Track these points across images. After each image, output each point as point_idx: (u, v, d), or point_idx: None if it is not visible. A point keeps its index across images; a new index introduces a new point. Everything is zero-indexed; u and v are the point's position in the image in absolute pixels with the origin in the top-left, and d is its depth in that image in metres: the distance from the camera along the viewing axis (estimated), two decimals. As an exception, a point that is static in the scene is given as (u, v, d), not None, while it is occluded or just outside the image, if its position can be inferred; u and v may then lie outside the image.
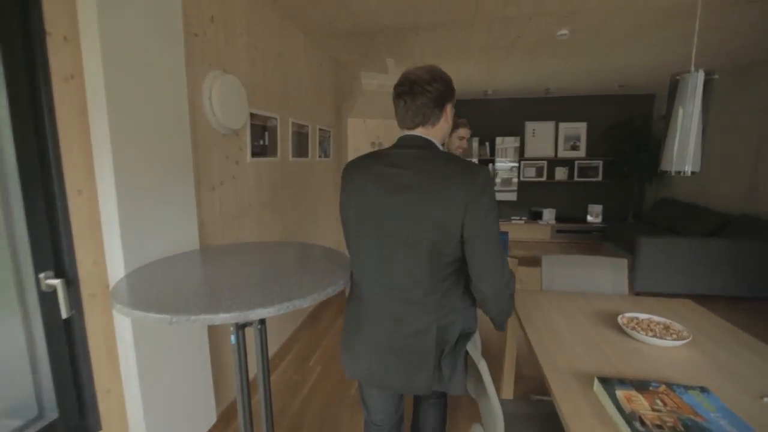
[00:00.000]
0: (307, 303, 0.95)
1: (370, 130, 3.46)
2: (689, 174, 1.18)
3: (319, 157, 3.39)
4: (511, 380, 1.93)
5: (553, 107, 6.12)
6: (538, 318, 1.56)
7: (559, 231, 6.04)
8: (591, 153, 6.11)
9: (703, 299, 3.59)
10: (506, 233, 5.11)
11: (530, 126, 6.24)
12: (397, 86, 1.05)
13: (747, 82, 4.11)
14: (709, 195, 4.65)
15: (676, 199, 5.21)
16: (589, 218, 6.13)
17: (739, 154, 4.18)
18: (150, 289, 1.05)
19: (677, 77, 1.20)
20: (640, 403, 0.93)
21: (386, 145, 3.37)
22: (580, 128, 6.11)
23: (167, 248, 1.43)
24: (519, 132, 6.27)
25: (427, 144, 1.04)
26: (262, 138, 2.30)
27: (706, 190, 4.70)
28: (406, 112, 1.04)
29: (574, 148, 6.16)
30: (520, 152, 6.26)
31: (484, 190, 0.94)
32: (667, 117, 1.22)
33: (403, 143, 1.06)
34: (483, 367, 0.95)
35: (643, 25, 2.82)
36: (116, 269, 1.27)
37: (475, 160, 6.21)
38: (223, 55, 1.86)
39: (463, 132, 2.26)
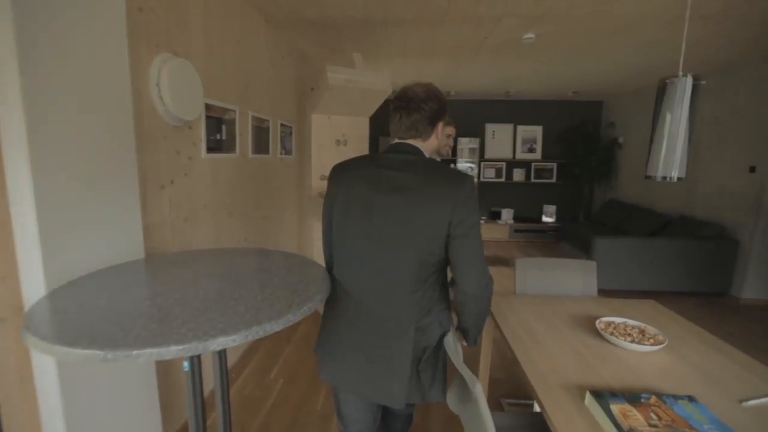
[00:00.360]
0: (280, 326, 0.81)
1: (335, 126, 3.31)
2: (675, 180, 1.17)
3: (281, 154, 3.19)
4: (486, 386, 1.89)
5: (512, 110, 6.30)
6: (517, 323, 1.52)
7: (516, 230, 6.23)
8: (546, 155, 6.37)
9: (651, 295, 3.82)
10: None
11: (490, 128, 6.37)
12: (395, 100, 1.11)
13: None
14: (651, 197, 4.99)
15: (622, 200, 5.55)
16: (544, 218, 6.39)
17: (678, 160, 4.51)
18: (78, 314, 0.84)
19: (666, 81, 1.19)
20: (636, 419, 0.90)
21: (352, 143, 3.22)
22: (537, 131, 6.34)
23: (104, 258, 1.21)
24: (479, 133, 6.38)
25: (416, 151, 1.11)
26: (218, 132, 2.09)
27: (649, 193, 5.04)
28: (400, 126, 1.11)
29: (531, 150, 6.38)
30: (481, 153, 6.37)
31: (471, 195, 1.01)
32: (654, 121, 1.22)
33: (394, 149, 1.12)
34: (478, 391, 0.87)
35: (604, 33, 2.92)
36: (34, 286, 1.02)
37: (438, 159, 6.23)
38: (174, 36, 1.64)
39: (450, 130, 2.24)
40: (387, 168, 1.06)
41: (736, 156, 3.75)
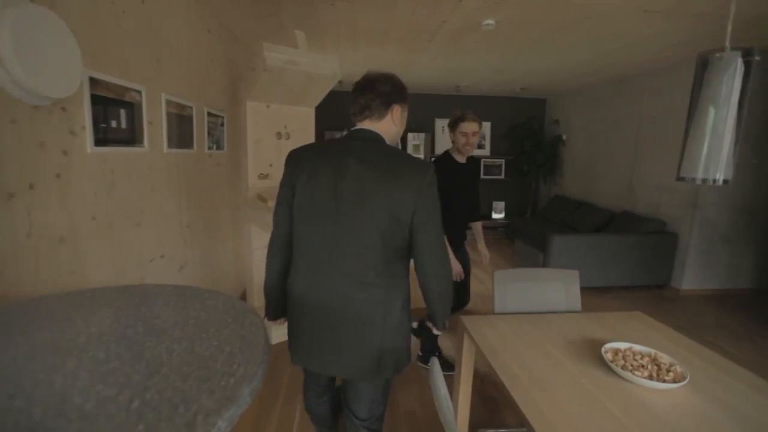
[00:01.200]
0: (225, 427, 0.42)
1: (275, 117, 2.85)
2: (720, 183, 0.95)
3: (210, 148, 2.66)
4: (467, 417, 1.61)
5: (462, 105, 6.16)
6: (507, 355, 1.25)
7: (469, 228, 6.14)
8: (495, 152, 6.36)
9: (604, 291, 3.87)
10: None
11: (440, 123, 6.21)
12: (356, 83, 1.16)
13: (622, 88, 4.59)
14: (594, 194, 5.14)
15: (567, 196, 5.69)
16: (494, 215, 6.39)
17: (620, 155, 4.67)
18: None
19: (706, 57, 0.95)
20: None
21: (295, 136, 2.77)
22: (485, 127, 6.30)
23: None
24: (429, 129, 6.20)
25: (376, 137, 1.13)
26: (115, 118, 1.56)
27: (592, 189, 5.19)
28: (356, 105, 1.14)
29: (480, 146, 6.34)
30: (431, 149, 6.20)
31: (433, 182, 1.06)
32: (691, 110, 0.99)
33: (353, 134, 1.14)
34: None
35: (565, 24, 2.79)
36: None
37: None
38: (30, -25, 1.12)
39: (470, 127, 2.03)
40: (347, 154, 1.07)
41: (673, 154, 3.90)
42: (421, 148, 6.13)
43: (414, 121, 6.12)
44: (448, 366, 2.29)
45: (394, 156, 1.07)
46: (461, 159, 2.19)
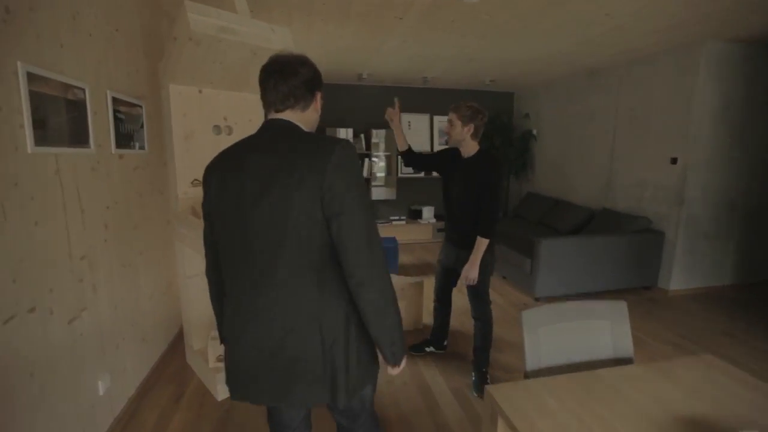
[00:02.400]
0: None
1: (210, 105, 2.21)
2: None
3: (121, 146, 1.98)
4: None
5: (428, 99, 5.77)
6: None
7: (440, 230, 5.76)
8: (464, 149, 6.01)
9: (591, 297, 3.59)
10: (393, 239, 4.47)
11: (406, 118, 5.75)
12: (266, 66, 0.98)
13: (597, 80, 4.38)
14: (569, 190, 4.92)
15: (540, 193, 5.46)
16: (465, 215, 6.05)
17: (596, 150, 4.45)
18: None
19: None
20: None
21: (240, 130, 2.13)
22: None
23: None
24: (395, 124, 5.71)
25: (292, 127, 0.97)
26: None
27: (566, 186, 4.97)
28: (276, 93, 0.96)
29: (449, 142, 5.95)
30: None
31: (341, 164, 0.87)
32: None
33: (267, 126, 0.98)
34: None
35: (555, 0, 2.40)
36: None
37: (350, 154, 5.39)
38: None
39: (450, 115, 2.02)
40: (257, 151, 0.93)
41: (656, 148, 3.71)
42: (382, 146, 5.63)
43: (381, 116, 5.61)
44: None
45: (301, 140, 0.92)
46: (464, 152, 2.04)
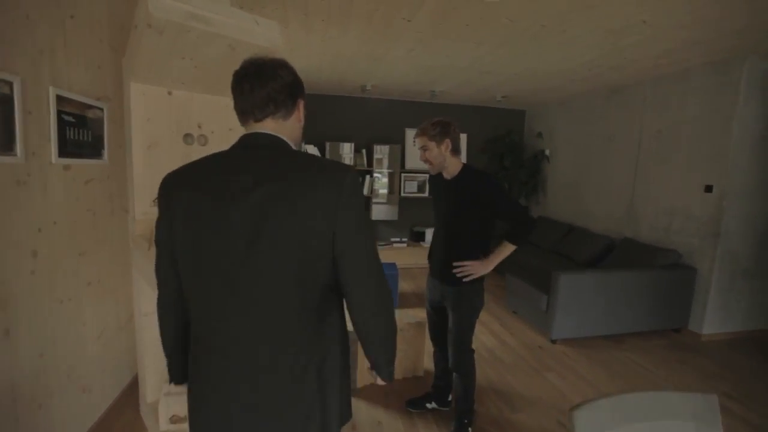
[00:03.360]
0: None
1: (182, 110, 1.88)
2: None
3: (68, 155, 1.63)
4: None
5: (435, 114, 5.44)
6: None
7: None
8: (471, 167, 5.68)
9: (612, 341, 3.17)
10: (393, 265, 4.08)
11: (411, 134, 5.44)
12: (239, 71, 0.84)
13: (618, 98, 4.06)
14: (585, 216, 4.55)
15: (552, 218, 5.08)
16: (471, 238, 5.67)
17: (617, 173, 4.10)
18: None
19: None
20: None
21: (217, 140, 1.74)
22: (461, 140, 5.61)
23: None
24: (398, 139, 5.41)
25: (279, 143, 0.84)
26: None
27: (583, 211, 4.60)
28: (252, 99, 0.82)
29: (432, 171, 5.62)
30: (401, 164, 5.39)
31: (353, 193, 0.79)
32: None
33: (246, 142, 0.84)
34: None
35: (590, 2, 2.09)
36: None
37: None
38: None
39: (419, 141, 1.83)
40: (237, 172, 0.79)
41: (686, 173, 3.35)
42: (385, 162, 5.29)
43: (384, 131, 5.31)
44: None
45: (301, 163, 0.80)
46: (448, 173, 1.82)
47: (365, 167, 5.21)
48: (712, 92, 3.14)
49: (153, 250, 1.54)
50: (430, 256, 1.96)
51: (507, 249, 1.78)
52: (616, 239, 3.95)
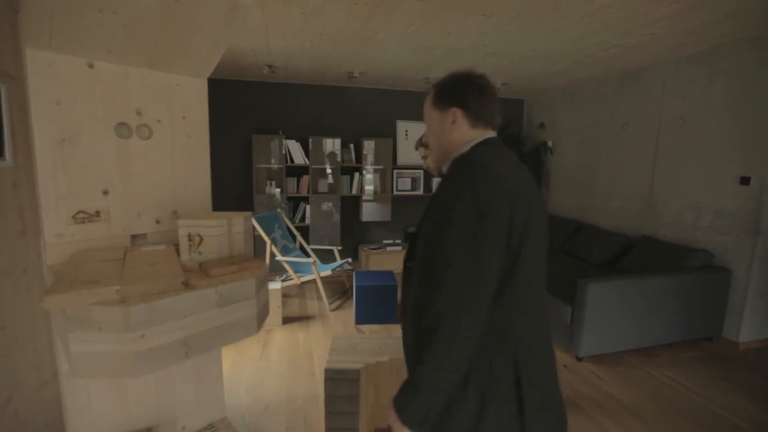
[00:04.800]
0: None
1: (113, 90, 1.38)
2: None
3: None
4: None
5: (428, 105, 5.03)
6: None
7: (441, 256, 4.96)
8: (468, 162, 5.27)
9: (643, 354, 2.81)
10: (391, 273, 3.65)
11: (403, 126, 4.99)
12: (477, 77, 0.91)
13: (632, 82, 3.70)
14: (595, 212, 4.20)
15: (558, 215, 4.72)
16: (470, 238, 5.28)
17: (632, 165, 3.74)
18: None
19: None
20: None
21: (167, 130, 1.32)
22: (456, 133, 5.19)
23: None
24: (389, 133, 4.95)
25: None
26: None
27: (593, 206, 4.24)
28: (493, 109, 0.91)
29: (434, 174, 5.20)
30: (393, 159, 4.94)
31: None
32: None
33: (502, 145, 0.92)
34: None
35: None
36: None
37: (328, 169, 4.59)
38: None
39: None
40: (523, 172, 0.88)
41: (716, 164, 3.01)
42: (370, 158, 4.82)
43: (373, 123, 4.84)
44: None
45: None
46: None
47: (353, 163, 4.74)
48: (748, 72, 2.79)
49: (82, 293, 1.05)
50: None
51: None
52: (633, 237, 3.60)
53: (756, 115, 2.74)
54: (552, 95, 4.84)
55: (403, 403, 0.75)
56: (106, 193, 1.41)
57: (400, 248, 4.88)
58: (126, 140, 1.43)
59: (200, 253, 1.23)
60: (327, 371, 1.82)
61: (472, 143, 0.89)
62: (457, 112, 0.89)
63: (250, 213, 1.42)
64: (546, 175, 4.98)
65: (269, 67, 3.80)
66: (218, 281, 1.13)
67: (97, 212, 1.42)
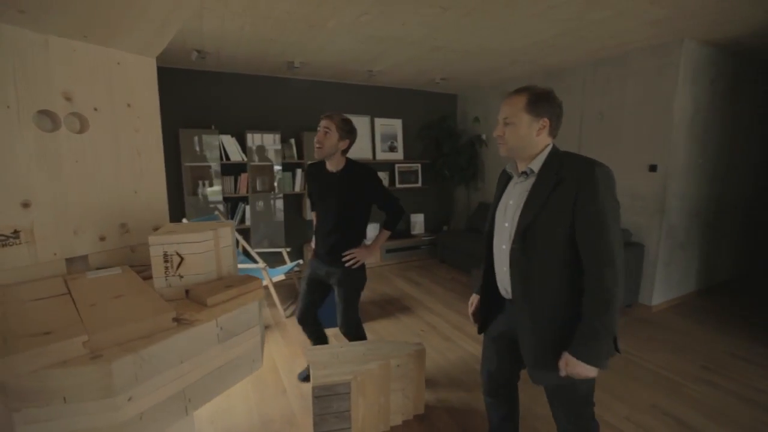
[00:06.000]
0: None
1: (28, 68, 1.07)
2: None
3: None
4: None
5: (369, 99, 4.97)
6: None
7: (388, 250, 4.98)
8: (408, 155, 5.35)
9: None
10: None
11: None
12: (558, 99, 1.27)
13: (557, 80, 4.07)
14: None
15: (489, 202, 5.02)
16: (414, 231, 5.39)
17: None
18: None
19: None
20: None
21: (104, 118, 1.09)
22: (396, 126, 5.23)
23: None
24: (330, 127, 4.77)
25: None
26: None
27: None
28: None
29: (392, 149, 5.23)
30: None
31: None
32: None
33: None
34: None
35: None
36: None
37: (277, 165, 4.31)
38: None
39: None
40: None
41: (630, 154, 3.45)
42: (285, 153, 4.63)
43: (314, 117, 4.62)
44: None
45: None
46: (333, 166, 1.95)
47: (295, 159, 4.49)
48: (653, 74, 3.23)
49: (24, 355, 0.77)
50: (316, 242, 2.08)
51: (384, 235, 2.10)
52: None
53: (659, 112, 3.20)
54: (483, 91, 5.11)
55: (593, 354, 1.09)
56: (26, 205, 1.10)
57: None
58: (51, 134, 1.13)
59: (181, 277, 1.01)
60: (315, 389, 1.69)
61: (549, 146, 1.25)
62: (547, 123, 1.23)
63: (231, 222, 1.23)
64: (481, 166, 5.26)
65: (198, 52, 3.39)
66: (219, 311, 0.94)
67: (15, 232, 1.09)
